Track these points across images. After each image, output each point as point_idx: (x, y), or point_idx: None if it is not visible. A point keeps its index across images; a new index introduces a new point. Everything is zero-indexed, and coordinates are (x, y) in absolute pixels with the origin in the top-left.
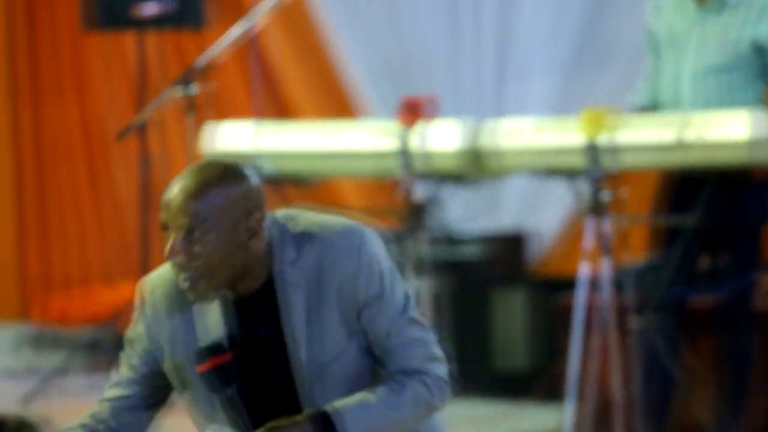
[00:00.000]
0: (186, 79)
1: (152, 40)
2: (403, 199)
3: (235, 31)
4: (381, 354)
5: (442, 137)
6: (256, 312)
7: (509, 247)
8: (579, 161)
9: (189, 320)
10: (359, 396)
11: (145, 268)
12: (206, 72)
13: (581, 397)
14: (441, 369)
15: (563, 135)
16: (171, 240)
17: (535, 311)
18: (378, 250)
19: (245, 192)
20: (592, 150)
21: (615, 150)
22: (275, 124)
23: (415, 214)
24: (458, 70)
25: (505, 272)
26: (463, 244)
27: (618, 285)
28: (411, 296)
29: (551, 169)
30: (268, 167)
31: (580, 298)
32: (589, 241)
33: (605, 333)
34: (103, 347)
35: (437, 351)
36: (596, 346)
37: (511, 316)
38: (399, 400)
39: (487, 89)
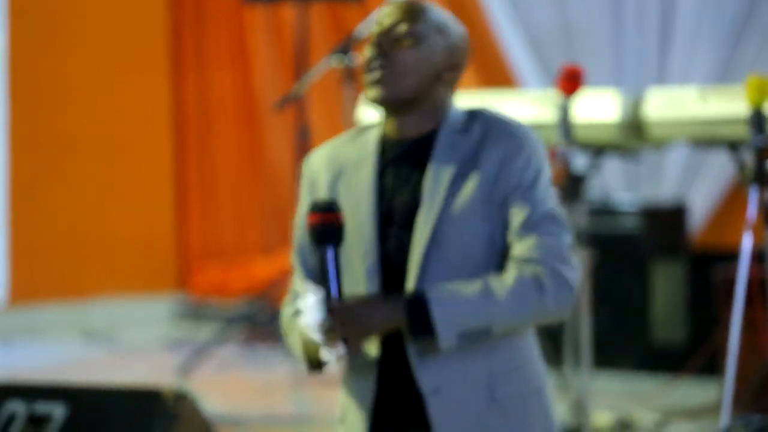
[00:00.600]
0: (344, 50)
1: (312, 11)
2: (562, 170)
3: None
4: (510, 243)
5: (602, 107)
6: (404, 162)
7: (669, 219)
8: (743, 131)
9: (339, 177)
10: (463, 285)
11: None
12: (364, 42)
13: (741, 371)
14: (567, 270)
15: (727, 104)
16: (378, 33)
17: (695, 284)
18: (542, 151)
19: (461, 39)
20: (758, 118)
21: None
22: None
23: (574, 186)
24: (621, 39)
25: (665, 244)
26: (623, 216)
27: None
28: (560, 208)
29: (714, 139)
30: None
31: (743, 270)
32: (753, 212)
33: (767, 306)
34: (258, 319)
35: (569, 254)
36: (757, 320)
37: (671, 289)
38: (504, 289)
39: (650, 59)
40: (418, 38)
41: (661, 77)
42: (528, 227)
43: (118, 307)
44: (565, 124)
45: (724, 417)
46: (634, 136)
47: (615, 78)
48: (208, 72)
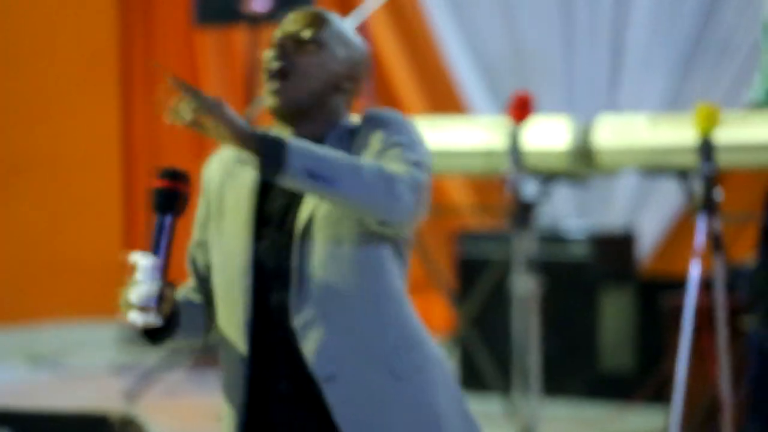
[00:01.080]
0: None
1: (263, 35)
2: (511, 197)
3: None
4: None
5: (552, 134)
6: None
7: (618, 247)
8: (692, 159)
9: (227, 177)
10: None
11: None
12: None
13: (689, 399)
14: (414, 195)
15: (676, 132)
16: (279, 39)
17: (643, 311)
18: (415, 132)
19: (359, 52)
20: (707, 147)
21: (729, 148)
22: None
23: (524, 213)
24: (572, 65)
25: (614, 271)
26: (572, 243)
27: (729, 285)
28: (427, 166)
29: (663, 167)
30: None
31: (691, 298)
32: (700, 240)
33: (715, 333)
34: (206, 343)
35: (420, 191)
36: (705, 347)
37: (620, 316)
38: (362, 162)
39: (600, 85)
40: (321, 44)
41: (612, 104)
42: (387, 157)
43: (65, 332)
44: (515, 151)
45: None
46: (584, 163)
47: (566, 104)
48: (157, 93)
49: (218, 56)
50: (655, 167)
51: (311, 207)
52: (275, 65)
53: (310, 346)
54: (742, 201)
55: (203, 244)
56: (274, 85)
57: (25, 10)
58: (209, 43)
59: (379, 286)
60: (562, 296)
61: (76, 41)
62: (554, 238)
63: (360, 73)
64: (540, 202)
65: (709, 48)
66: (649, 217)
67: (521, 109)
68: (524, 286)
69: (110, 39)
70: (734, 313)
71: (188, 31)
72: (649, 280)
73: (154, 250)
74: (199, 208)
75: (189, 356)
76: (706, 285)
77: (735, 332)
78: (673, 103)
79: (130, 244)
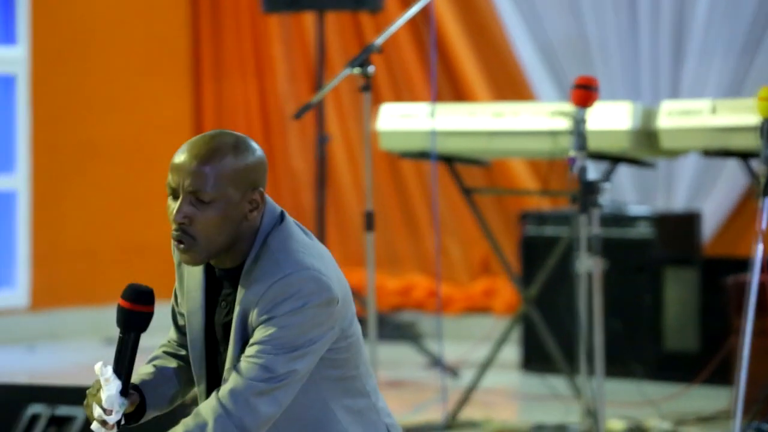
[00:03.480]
0: (362, 59)
1: (330, 20)
2: (575, 179)
3: (411, 12)
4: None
5: (616, 118)
6: (226, 284)
7: (681, 227)
8: (755, 141)
9: (182, 278)
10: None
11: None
12: (382, 53)
13: (752, 379)
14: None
15: (739, 115)
16: (178, 203)
17: (707, 292)
18: (321, 313)
19: (255, 164)
20: None
21: None
22: (450, 105)
23: (588, 195)
24: (635, 52)
25: (677, 252)
26: (636, 224)
27: None
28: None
29: (725, 150)
30: (443, 147)
31: (754, 278)
32: (763, 222)
33: None
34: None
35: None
36: None
37: (683, 296)
38: None
39: (663, 71)
40: (216, 199)
41: (675, 90)
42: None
43: None
44: (579, 134)
45: (736, 424)
46: (647, 145)
47: (628, 90)
48: (227, 80)
49: (286, 44)
50: (718, 150)
51: (234, 350)
52: (180, 235)
53: None
54: None
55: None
56: (182, 246)
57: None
58: (276, 30)
59: (325, 402)
60: (626, 277)
61: (147, 30)
62: (618, 218)
63: (260, 187)
64: (604, 183)
65: None
66: (711, 200)
67: (585, 93)
68: (588, 265)
69: (181, 27)
70: None
71: (256, 19)
72: (713, 261)
73: (117, 365)
74: (177, 278)
75: None
76: None
77: None
78: (735, 89)
79: None
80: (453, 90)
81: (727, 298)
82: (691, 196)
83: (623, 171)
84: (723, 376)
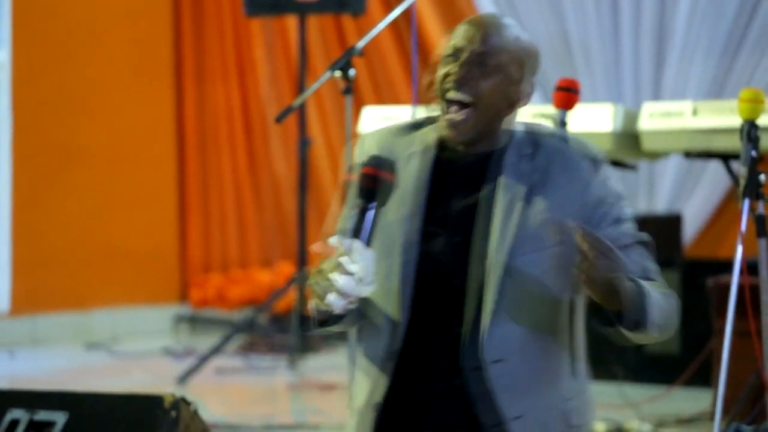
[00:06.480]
0: (344, 62)
1: (313, 23)
2: None
3: (393, 14)
4: None
5: (597, 120)
6: (463, 172)
7: (663, 229)
8: (736, 143)
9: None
10: (648, 287)
11: (303, 250)
12: (364, 55)
13: (733, 381)
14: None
15: (720, 117)
16: (460, 61)
17: (687, 293)
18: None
19: (536, 54)
20: (750, 130)
21: None
22: (432, 107)
23: None
24: (617, 54)
25: (659, 254)
26: None
27: None
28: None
29: (707, 151)
30: None
31: (734, 280)
32: (744, 224)
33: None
34: (258, 328)
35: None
36: (750, 329)
37: None
38: (665, 300)
39: (645, 73)
40: (501, 67)
41: (657, 92)
42: (627, 245)
43: (120, 317)
44: None
45: (716, 426)
46: (629, 147)
47: (610, 93)
48: (209, 84)
49: (268, 47)
50: (699, 152)
51: (510, 239)
52: (458, 96)
53: (497, 384)
54: None
55: None
56: (456, 117)
57: (80, 2)
58: (259, 34)
59: (565, 335)
60: None
61: (129, 34)
62: None
63: (533, 87)
64: None
65: (752, 36)
66: (693, 201)
67: (567, 95)
68: None
69: (163, 31)
70: None
71: (238, 23)
72: (694, 263)
73: (357, 235)
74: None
75: (241, 341)
76: (751, 268)
77: None
78: (717, 91)
79: (183, 233)
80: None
81: (708, 300)
82: (672, 197)
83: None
84: (704, 377)
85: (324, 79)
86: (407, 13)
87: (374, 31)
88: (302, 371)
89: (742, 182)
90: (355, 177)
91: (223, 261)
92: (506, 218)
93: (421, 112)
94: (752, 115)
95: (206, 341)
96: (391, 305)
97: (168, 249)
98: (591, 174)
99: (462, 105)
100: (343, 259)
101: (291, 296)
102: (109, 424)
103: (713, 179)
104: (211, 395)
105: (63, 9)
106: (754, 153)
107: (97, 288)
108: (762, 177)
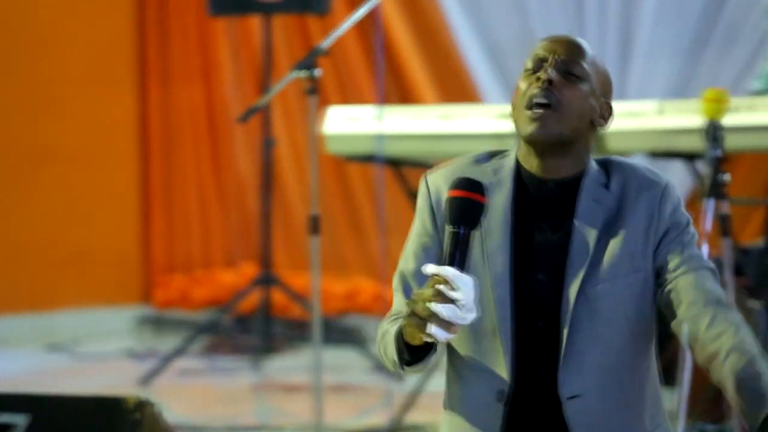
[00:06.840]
0: (309, 62)
1: (277, 24)
2: None
3: (358, 14)
4: (675, 277)
5: None
6: (545, 202)
7: None
8: (699, 142)
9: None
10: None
11: (267, 250)
12: (329, 55)
13: (696, 382)
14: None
15: (685, 116)
16: (545, 68)
17: None
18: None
19: (609, 77)
20: (714, 129)
21: (736, 131)
22: (397, 107)
23: None
24: None
25: None
26: None
27: (737, 268)
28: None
29: (671, 151)
30: (390, 150)
31: None
32: (708, 223)
33: None
34: (221, 329)
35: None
36: None
37: None
38: (752, 336)
39: (610, 71)
40: (584, 78)
41: (621, 91)
42: (696, 269)
43: (83, 318)
44: None
45: (680, 427)
46: (594, 147)
47: None
48: (173, 84)
49: (232, 47)
50: (663, 151)
51: (585, 265)
52: (543, 99)
53: (576, 417)
54: (752, 185)
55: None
56: (538, 113)
57: (42, 3)
58: (223, 34)
59: (647, 362)
60: None
61: (93, 34)
62: None
63: (610, 108)
64: None
65: (717, 36)
66: None
67: None
68: None
69: (126, 31)
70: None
71: (202, 23)
72: None
73: (452, 261)
74: (419, 228)
75: (204, 342)
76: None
77: (743, 314)
78: (682, 90)
79: (146, 234)
80: (400, 93)
81: None
82: None
83: None
84: (667, 377)
85: (288, 79)
86: (372, 13)
87: (339, 31)
88: (266, 372)
89: (707, 181)
90: (420, 221)
91: (186, 262)
92: (584, 249)
93: (384, 113)
94: (716, 115)
95: (170, 342)
96: (488, 343)
97: (131, 249)
98: (663, 200)
99: (547, 100)
100: (442, 287)
101: (254, 297)
102: (71, 427)
103: (676, 179)
104: (175, 396)
105: (27, 9)
106: (718, 153)
107: (59, 289)
108: (726, 177)
